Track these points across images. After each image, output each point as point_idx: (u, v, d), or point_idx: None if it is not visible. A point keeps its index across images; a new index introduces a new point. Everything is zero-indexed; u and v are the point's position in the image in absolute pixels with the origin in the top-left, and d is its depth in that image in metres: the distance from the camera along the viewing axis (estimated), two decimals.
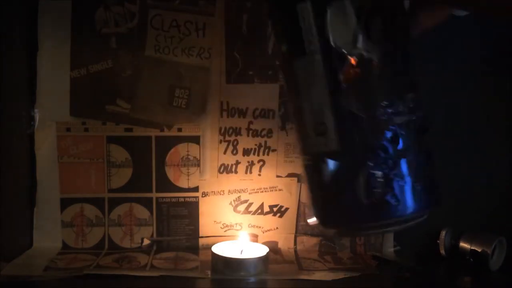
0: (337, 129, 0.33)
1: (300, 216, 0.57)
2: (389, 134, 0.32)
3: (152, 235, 0.55)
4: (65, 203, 0.54)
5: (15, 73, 0.52)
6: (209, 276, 0.47)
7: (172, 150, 0.55)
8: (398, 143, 0.32)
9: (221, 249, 0.50)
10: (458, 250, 0.54)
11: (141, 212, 0.55)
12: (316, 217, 0.36)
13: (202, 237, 0.55)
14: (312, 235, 0.57)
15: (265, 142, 0.56)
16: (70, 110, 0.53)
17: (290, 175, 0.56)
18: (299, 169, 0.56)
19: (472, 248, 0.53)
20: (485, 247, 0.52)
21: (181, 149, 0.55)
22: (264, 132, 0.56)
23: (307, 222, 0.57)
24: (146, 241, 0.55)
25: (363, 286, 0.48)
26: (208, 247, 0.53)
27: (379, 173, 0.32)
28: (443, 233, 0.56)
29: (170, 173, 0.55)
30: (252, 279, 0.47)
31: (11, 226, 0.52)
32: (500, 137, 0.59)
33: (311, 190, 0.36)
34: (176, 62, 0.54)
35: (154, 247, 0.55)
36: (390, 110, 0.32)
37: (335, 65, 0.32)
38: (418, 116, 0.33)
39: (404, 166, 0.33)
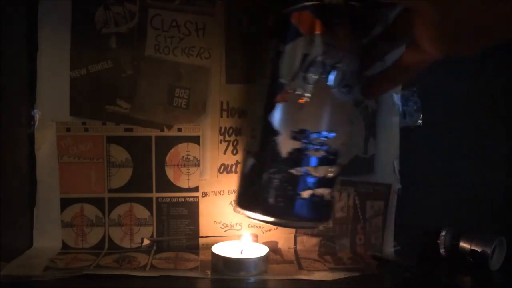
0: (262, 136, 0.43)
1: None
2: (294, 154, 0.41)
3: (152, 235, 0.55)
4: (65, 203, 0.54)
5: (15, 73, 0.52)
6: (209, 276, 0.47)
7: (172, 150, 0.55)
8: (299, 164, 0.41)
9: (221, 249, 0.50)
10: (458, 250, 0.54)
11: (141, 212, 0.55)
12: (236, 199, 0.46)
13: (202, 237, 0.56)
14: (312, 235, 0.57)
15: None
16: (70, 110, 0.53)
17: None
18: None
19: (472, 248, 0.53)
20: (485, 247, 0.52)
21: (181, 149, 0.55)
22: None
23: None
24: (146, 241, 0.55)
25: (363, 286, 0.48)
26: (208, 247, 0.53)
27: (277, 181, 0.41)
28: (443, 233, 0.55)
29: (170, 173, 0.55)
30: (252, 279, 0.47)
31: (11, 226, 0.52)
32: (500, 137, 0.59)
33: (238, 178, 0.46)
34: (176, 62, 0.54)
35: (154, 247, 0.55)
36: (303, 137, 0.41)
37: (275, 88, 0.42)
38: (329, 151, 0.42)
39: (301, 182, 0.41)
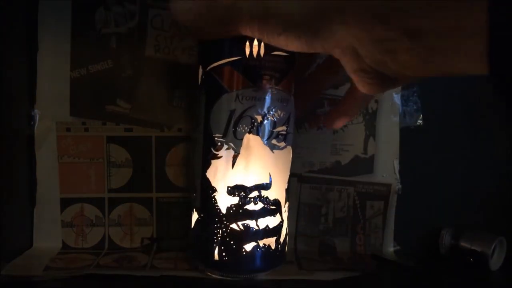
0: (201, 193, 0.44)
1: (300, 216, 0.57)
2: (233, 210, 0.43)
3: (152, 235, 0.55)
4: (65, 203, 0.54)
5: (15, 73, 0.52)
6: (209, 276, 0.47)
7: (172, 150, 0.55)
8: (239, 219, 0.43)
9: None
10: (458, 250, 0.54)
11: (141, 212, 0.55)
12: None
13: None
14: (312, 235, 0.57)
15: None
16: (70, 110, 0.53)
17: (290, 175, 0.56)
18: (299, 169, 0.56)
19: (472, 248, 0.53)
20: (485, 247, 0.52)
21: (181, 149, 0.55)
22: None
23: (307, 222, 0.57)
24: (146, 241, 0.55)
25: (363, 286, 0.48)
26: None
27: (220, 237, 0.43)
28: (443, 233, 0.56)
29: (170, 173, 0.55)
30: (252, 279, 0.47)
31: (11, 226, 0.52)
32: (500, 137, 0.59)
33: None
34: (176, 62, 0.54)
35: (154, 247, 0.55)
36: (239, 192, 0.42)
37: (209, 144, 0.43)
38: (267, 202, 0.43)
39: (244, 236, 0.43)
